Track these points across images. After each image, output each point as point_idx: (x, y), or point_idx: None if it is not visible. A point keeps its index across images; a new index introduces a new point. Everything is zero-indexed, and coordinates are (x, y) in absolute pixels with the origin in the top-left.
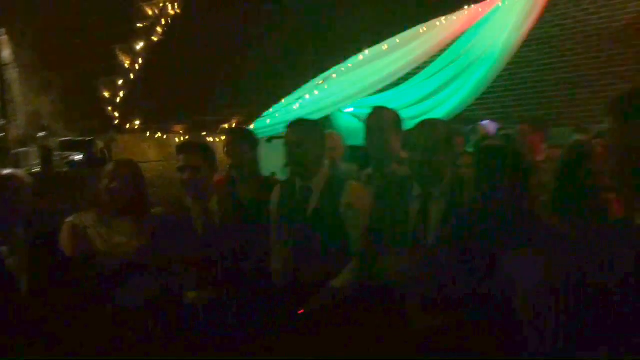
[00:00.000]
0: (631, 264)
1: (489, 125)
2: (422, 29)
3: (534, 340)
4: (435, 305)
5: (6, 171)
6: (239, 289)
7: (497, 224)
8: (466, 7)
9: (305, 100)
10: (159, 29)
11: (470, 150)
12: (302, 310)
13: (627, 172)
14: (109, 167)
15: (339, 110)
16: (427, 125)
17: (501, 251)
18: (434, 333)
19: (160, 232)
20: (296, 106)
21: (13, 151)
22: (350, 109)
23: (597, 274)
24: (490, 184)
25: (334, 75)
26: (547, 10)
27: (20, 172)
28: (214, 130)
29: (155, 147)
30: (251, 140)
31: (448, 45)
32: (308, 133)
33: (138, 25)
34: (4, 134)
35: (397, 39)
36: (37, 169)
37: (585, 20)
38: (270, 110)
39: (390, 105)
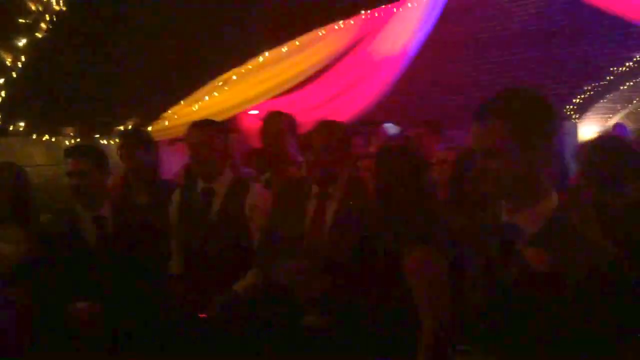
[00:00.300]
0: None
1: (390, 128)
2: (321, 32)
3: (430, 337)
4: (332, 305)
5: None
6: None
7: (396, 223)
8: (363, 11)
9: (205, 102)
10: (43, 25)
11: (371, 151)
12: (204, 315)
13: (488, 174)
14: None
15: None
16: (324, 126)
17: (400, 249)
18: (326, 333)
19: (47, 240)
20: (195, 107)
21: None
22: (255, 112)
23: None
24: (390, 184)
25: (234, 77)
26: (443, 17)
27: None
28: (107, 133)
29: (44, 151)
30: (147, 142)
31: (349, 49)
32: (213, 134)
33: (20, 20)
34: None
35: (297, 42)
36: None
37: (479, 27)
38: (169, 111)
39: (294, 108)
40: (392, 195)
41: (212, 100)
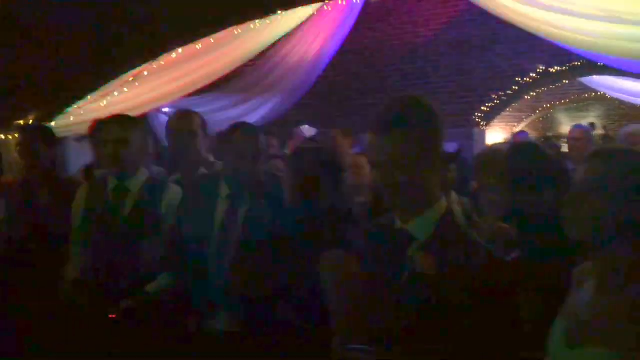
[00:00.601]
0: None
1: (306, 130)
2: (236, 30)
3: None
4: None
5: None
6: None
7: (312, 225)
8: (280, 12)
9: (114, 98)
10: None
11: (286, 152)
12: (113, 315)
13: (387, 184)
14: None
15: (156, 109)
16: (236, 127)
17: (316, 253)
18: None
19: None
20: (104, 103)
21: None
22: (167, 109)
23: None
24: (306, 186)
25: (145, 73)
26: (360, 22)
27: None
28: (5, 127)
29: None
30: (49, 138)
31: (265, 50)
32: (132, 130)
33: None
34: None
35: (211, 39)
36: None
37: (393, 34)
38: (74, 106)
39: (207, 108)
40: (308, 197)
41: (122, 96)
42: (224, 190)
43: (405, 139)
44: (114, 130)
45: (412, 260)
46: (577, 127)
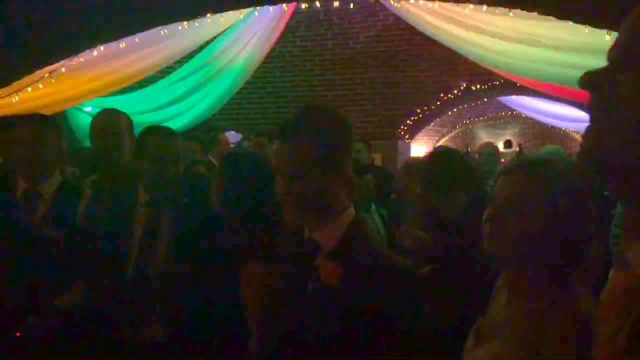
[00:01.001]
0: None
1: (231, 136)
2: (163, 31)
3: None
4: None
5: None
6: None
7: (237, 234)
8: (209, 15)
9: (27, 94)
10: None
11: (210, 158)
12: (18, 334)
13: (293, 190)
14: None
15: (76, 108)
16: (151, 131)
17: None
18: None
19: None
20: (16, 99)
21: None
22: (89, 108)
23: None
24: (234, 192)
25: (63, 70)
26: (289, 30)
27: None
28: None
29: None
30: None
31: (192, 53)
32: (46, 129)
33: None
34: None
35: (136, 39)
36: None
37: (322, 44)
38: None
39: (132, 109)
40: (240, 204)
41: (36, 92)
42: (142, 197)
43: (305, 147)
44: (29, 129)
45: (318, 269)
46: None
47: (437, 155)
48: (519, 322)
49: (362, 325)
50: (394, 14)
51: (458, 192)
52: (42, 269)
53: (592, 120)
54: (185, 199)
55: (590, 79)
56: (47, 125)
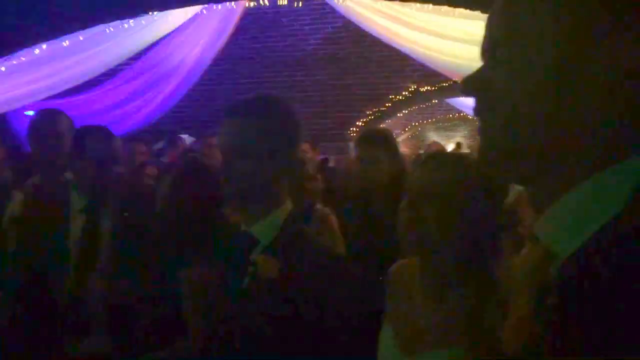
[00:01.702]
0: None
1: (186, 139)
2: (108, 29)
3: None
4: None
5: None
6: None
7: (181, 236)
8: (154, 13)
9: None
10: None
11: (163, 160)
12: None
13: (233, 168)
14: None
15: (17, 110)
16: (91, 132)
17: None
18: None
19: None
20: None
21: None
22: (31, 113)
23: None
24: (181, 195)
25: (3, 69)
26: (239, 32)
27: None
28: None
29: None
30: None
31: (139, 53)
32: None
33: None
34: None
35: (80, 37)
36: None
37: (272, 46)
38: None
39: (78, 111)
40: (187, 208)
41: None
42: (77, 203)
43: (250, 125)
44: None
45: (254, 264)
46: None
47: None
48: (455, 322)
49: (298, 319)
50: (343, 16)
51: None
52: None
53: (481, 121)
54: (124, 205)
55: (467, 85)
56: None
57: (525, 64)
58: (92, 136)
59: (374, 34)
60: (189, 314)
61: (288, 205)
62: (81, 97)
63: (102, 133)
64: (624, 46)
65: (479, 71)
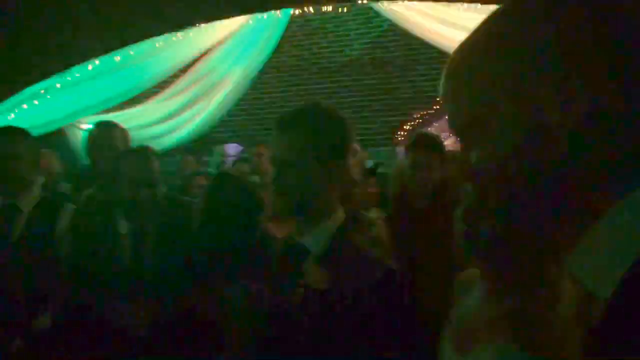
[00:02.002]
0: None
1: (230, 148)
2: (158, 43)
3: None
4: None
5: None
6: None
7: (223, 252)
8: (201, 25)
9: (23, 111)
10: None
11: (210, 170)
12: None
13: (283, 179)
14: None
15: (74, 125)
16: (128, 155)
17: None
18: None
19: None
20: (11, 116)
21: None
22: (86, 125)
23: None
24: (221, 211)
25: (58, 85)
26: (285, 40)
27: None
28: None
29: None
30: None
31: (189, 65)
32: (17, 143)
33: None
34: None
35: (131, 51)
36: None
37: (317, 52)
38: None
39: (130, 125)
40: (226, 222)
41: (32, 109)
42: (122, 225)
43: (300, 136)
44: (1, 142)
45: (305, 274)
46: None
47: None
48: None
49: (348, 329)
50: (388, 19)
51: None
52: (20, 286)
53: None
54: (166, 225)
55: (461, 126)
56: (19, 138)
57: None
58: (129, 158)
59: (420, 37)
60: (233, 328)
61: (339, 213)
62: (133, 109)
63: (140, 154)
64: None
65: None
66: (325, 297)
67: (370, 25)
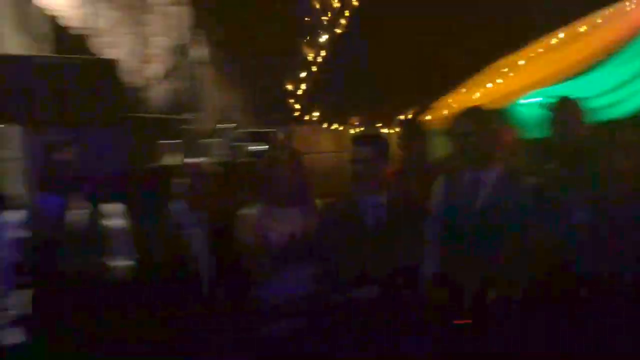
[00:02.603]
0: None
1: None
2: (630, 5)
3: None
4: None
5: (193, 160)
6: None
7: None
8: None
9: (486, 89)
10: (342, 21)
11: None
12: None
13: None
14: (272, 158)
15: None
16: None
17: None
18: None
19: (325, 224)
20: (476, 95)
21: (200, 141)
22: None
23: None
24: None
25: (521, 62)
26: None
27: (205, 161)
28: (389, 122)
29: (331, 138)
30: (421, 131)
31: None
32: (480, 123)
33: (322, 18)
34: (192, 126)
35: (598, 19)
36: (222, 159)
37: None
38: (449, 99)
39: (576, 95)
40: None
41: (494, 87)
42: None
43: None
44: (461, 123)
45: None
46: None
47: None
48: None
49: None
50: None
51: None
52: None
53: None
54: None
55: None
56: (478, 118)
57: None
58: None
59: None
60: None
61: None
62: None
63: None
64: None
65: None
66: None
67: None
